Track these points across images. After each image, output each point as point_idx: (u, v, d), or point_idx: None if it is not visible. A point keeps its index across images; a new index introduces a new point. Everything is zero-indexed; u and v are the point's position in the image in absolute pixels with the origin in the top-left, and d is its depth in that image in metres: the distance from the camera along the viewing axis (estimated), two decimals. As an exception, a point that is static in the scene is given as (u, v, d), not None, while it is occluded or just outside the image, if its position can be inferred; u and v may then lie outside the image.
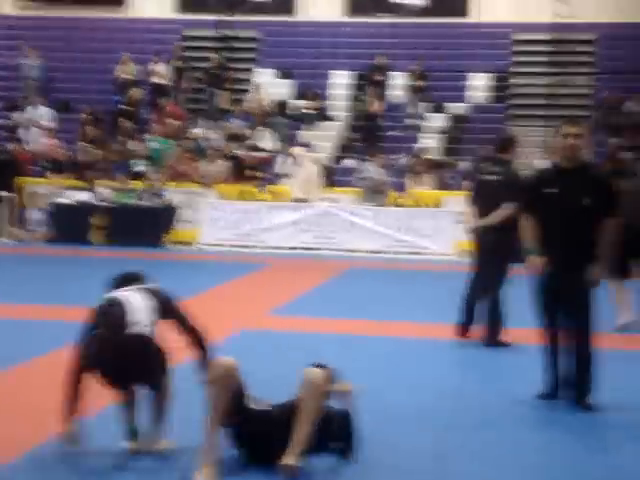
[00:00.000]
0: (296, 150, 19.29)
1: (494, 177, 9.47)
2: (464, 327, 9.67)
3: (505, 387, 7.73)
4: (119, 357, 5.67)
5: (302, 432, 5.36)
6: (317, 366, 5.55)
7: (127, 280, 6.17)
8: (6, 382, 7.54)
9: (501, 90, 23.59)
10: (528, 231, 7.29)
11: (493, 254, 9.37)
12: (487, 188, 9.46)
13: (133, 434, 5.86)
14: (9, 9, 27.01)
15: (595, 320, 7.11)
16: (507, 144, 9.71)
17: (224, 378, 5.46)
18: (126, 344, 5.66)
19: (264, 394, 7.40)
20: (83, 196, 18.81)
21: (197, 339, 5.95)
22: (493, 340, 9.38)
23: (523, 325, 9.61)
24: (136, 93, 23.11)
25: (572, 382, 7.13)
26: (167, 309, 5.92)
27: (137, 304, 5.80)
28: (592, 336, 7.08)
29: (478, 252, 9.56)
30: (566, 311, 7.13)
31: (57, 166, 20.21)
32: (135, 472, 5.47)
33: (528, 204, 7.31)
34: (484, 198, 9.44)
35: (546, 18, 23.24)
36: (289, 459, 5.26)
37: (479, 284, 9.55)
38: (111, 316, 5.73)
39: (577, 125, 7.25)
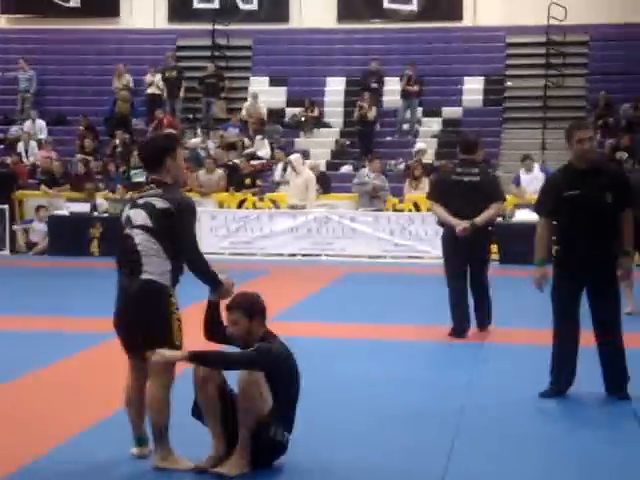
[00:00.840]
0: (292, 157, 19.34)
1: (469, 178, 9.65)
2: (463, 329, 9.80)
3: (510, 385, 7.77)
4: (122, 306, 5.63)
5: (242, 437, 5.41)
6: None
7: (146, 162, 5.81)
8: (7, 394, 7.56)
9: (496, 93, 23.65)
10: (543, 240, 7.38)
11: (483, 251, 9.89)
12: (462, 189, 9.61)
13: (141, 440, 5.76)
14: (2, 23, 27.05)
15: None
16: (472, 146, 9.92)
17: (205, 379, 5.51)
18: (130, 293, 5.55)
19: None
20: (81, 208, 18.83)
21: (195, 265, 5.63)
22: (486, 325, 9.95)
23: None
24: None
25: (606, 375, 7.30)
26: (169, 226, 5.52)
27: (142, 239, 5.52)
28: (621, 327, 7.30)
29: (462, 250, 9.65)
30: (593, 306, 7.27)
31: (53, 178, 20.25)
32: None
33: (550, 209, 7.36)
34: (459, 198, 9.60)
35: (539, 21, 23.28)
36: (229, 468, 5.36)
37: (466, 281, 9.86)
38: (124, 259, 5.62)
39: (587, 128, 7.44)
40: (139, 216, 5.58)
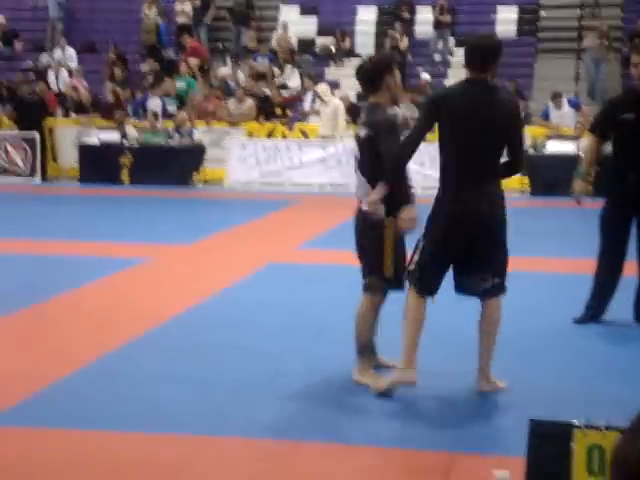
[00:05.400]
0: (321, 87, 19.21)
1: None
2: None
3: (545, 311, 7.77)
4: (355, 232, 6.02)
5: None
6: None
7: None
8: (38, 315, 7.67)
9: (530, 23, 23.26)
10: (590, 154, 7.35)
11: None
12: None
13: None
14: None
15: None
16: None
17: None
18: (356, 222, 5.98)
19: (292, 321, 7.54)
20: (112, 136, 18.86)
21: None
22: None
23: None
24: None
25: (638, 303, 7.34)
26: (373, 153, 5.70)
27: (356, 169, 5.87)
28: None
29: None
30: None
31: (82, 107, 20.27)
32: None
33: (603, 130, 7.29)
34: None
35: (576, -51, 22.78)
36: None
37: None
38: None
39: (638, 53, 7.19)
40: (355, 147, 5.88)
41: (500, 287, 5.58)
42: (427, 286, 5.55)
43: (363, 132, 5.71)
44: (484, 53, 5.58)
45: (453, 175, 5.44)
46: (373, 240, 5.71)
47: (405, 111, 18.41)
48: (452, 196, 5.43)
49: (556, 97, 18.83)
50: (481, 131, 5.39)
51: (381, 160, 5.56)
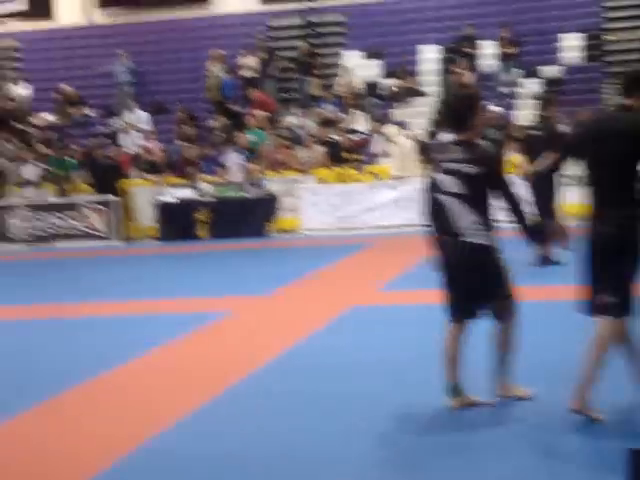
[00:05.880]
0: (387, 129, 19.23)
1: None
2: None
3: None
4: (453, 266, 6.03)
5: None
6: None
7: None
8: (125, 375, 7.74)
9: (595, 49, 23.02)
10: None
11: None
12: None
13: (455, 391, 6.00)
14: (100, 19, 27.55)
15: None
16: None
17: None
18: (453, 252, 6.01)
19: (383, 364, 7.46)
20: (185, 193, 19.13)
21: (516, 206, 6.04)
22: None
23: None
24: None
25: None
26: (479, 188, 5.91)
27: (451, 203, 5.91)
28: None
29: None
30: None
31: (156, 167, 20.61)
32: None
33: None
34: None
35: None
36: None
37: None
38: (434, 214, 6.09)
39: None
40: (447, 182, 5.92)
41: (613, 307, 5.53)
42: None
43: (472, 169, 5.82)
44: (628, 81, 5.82)
45: (590, 199, 5.70)
46: (491, 265, 5.93)
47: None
48: (589, 219, 5.68)
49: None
50: (607, 155, 5.56)
51: (499, 193, 5.90)
